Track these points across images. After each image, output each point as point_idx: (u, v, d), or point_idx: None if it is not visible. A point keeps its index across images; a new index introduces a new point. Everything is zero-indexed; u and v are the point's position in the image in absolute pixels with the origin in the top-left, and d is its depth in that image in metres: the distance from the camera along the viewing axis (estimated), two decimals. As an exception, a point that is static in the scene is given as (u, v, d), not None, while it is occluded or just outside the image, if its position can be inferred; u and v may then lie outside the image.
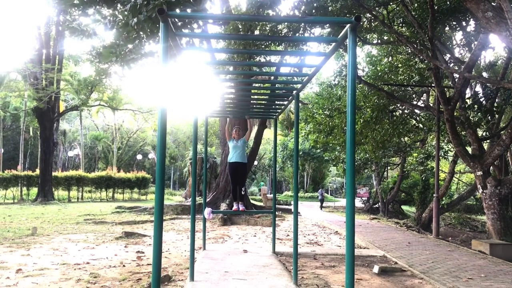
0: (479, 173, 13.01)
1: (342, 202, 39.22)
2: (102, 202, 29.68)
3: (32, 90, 27.33)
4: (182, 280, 6.96)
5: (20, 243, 10.40)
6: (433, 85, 15.80)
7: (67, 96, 41.41)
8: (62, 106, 33.95)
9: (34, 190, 28.90)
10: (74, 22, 11.73)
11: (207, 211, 7.80)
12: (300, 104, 10.35)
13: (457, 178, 24.94)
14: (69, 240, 11.20)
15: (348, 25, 3.31)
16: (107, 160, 56.47)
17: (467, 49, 17.39)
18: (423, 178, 21.27)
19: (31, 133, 48.93)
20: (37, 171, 28.79)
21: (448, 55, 16.89)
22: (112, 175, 33.04)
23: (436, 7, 13.62)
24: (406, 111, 20.51)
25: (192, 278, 6.62)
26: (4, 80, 33.98)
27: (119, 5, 8.78)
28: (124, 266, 7.98)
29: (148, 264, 8.15)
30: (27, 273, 7.18)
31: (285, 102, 7.44)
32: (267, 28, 14.85)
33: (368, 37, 19.13)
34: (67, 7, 10.31)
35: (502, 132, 15.05)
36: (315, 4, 13.07)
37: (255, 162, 38.35)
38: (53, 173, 29.49)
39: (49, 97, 27.00)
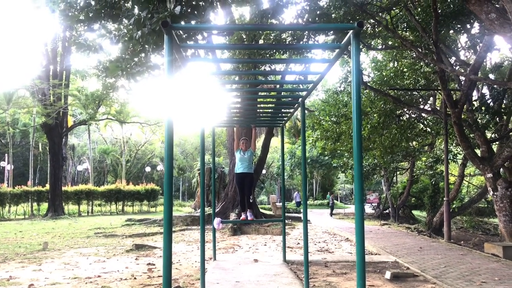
0: (489, 175, 12.91)
1: (352, 208, 38.98)
2: (112, 215, 29.76)
3: (40, 106, 27.62)
4: (193, 291, 6.95)
5: (32, 258, 10.44)
6: (439, 88, 15.74)
7: (75, 111, 41.81)
8: (70, 121, 34.25)
9: (45, 205, 29.06)
10: (80, 38, 11.89)
11: (216, 221, 7.79)
12: (306, 112, 10.34)
13: (467, 181, 24.73)
14: (80, 254, 11.23)
15: (351, 31, 3.33)
16: (116, 173, 56.71)
17: (472, 51, 17.32)
18: (433, 182, 21.11)
19: (40, 149, 49.29)
20: (47, 186, 28.99)
21: (454, 58, 16.83)
22: (121, 188, 33.17)
23: (439, 11, 13.61)
24: (413, 115, 20.43)
25: (203, 289, 6.61)
26: (13, 97, 34.39)
27: (124, 19, 8.88)
28: (135, 278, 7.98)
29: (159, 276, 8.14)
30: (39, 288, 7.21)
31: (291, 110, 7.44)
32: (271, 37, 14.90)
33: (372, 43, 19.14)
34: (73, 23, 10.43)
35: (511, 133, 14.94)
36: (318, 12, 13.10)
37: (263, 171, 38.32)
38: (63, 188, 29.66)
39: (57, 113, 27.25)
